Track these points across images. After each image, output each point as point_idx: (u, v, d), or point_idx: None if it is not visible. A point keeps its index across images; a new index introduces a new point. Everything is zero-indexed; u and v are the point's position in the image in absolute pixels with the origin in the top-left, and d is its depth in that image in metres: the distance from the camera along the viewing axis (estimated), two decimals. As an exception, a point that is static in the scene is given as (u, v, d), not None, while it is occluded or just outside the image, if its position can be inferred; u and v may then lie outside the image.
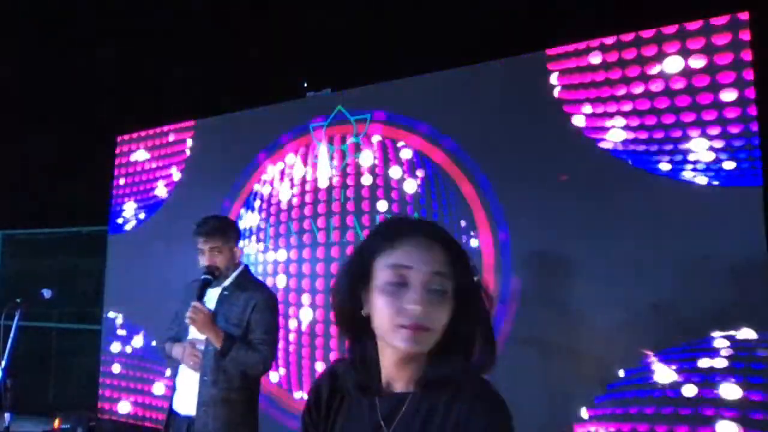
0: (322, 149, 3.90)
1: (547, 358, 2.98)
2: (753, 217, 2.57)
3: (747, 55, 2.65)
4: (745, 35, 2.67)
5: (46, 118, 6.82)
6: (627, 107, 2.91)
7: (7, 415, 2.65)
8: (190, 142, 4.59)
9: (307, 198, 3.89)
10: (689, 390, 2.61)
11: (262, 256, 4.06)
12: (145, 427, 4.45)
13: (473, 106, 3.37)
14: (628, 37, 2.95)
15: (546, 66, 3.16)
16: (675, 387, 2.65)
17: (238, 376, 2.32)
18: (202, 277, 2.36)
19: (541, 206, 3.08)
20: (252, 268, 2.74)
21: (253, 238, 4.11)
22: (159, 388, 4.41)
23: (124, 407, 4.59)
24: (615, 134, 2.93)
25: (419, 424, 0.96)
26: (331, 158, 3.84)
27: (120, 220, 4.90)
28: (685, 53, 2.79)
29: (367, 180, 3.66)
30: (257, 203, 4.16)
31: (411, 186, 3.50)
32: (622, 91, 2.93)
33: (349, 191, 3.73)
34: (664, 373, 2.68)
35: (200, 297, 2.32)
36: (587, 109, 3.02)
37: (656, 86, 2.84)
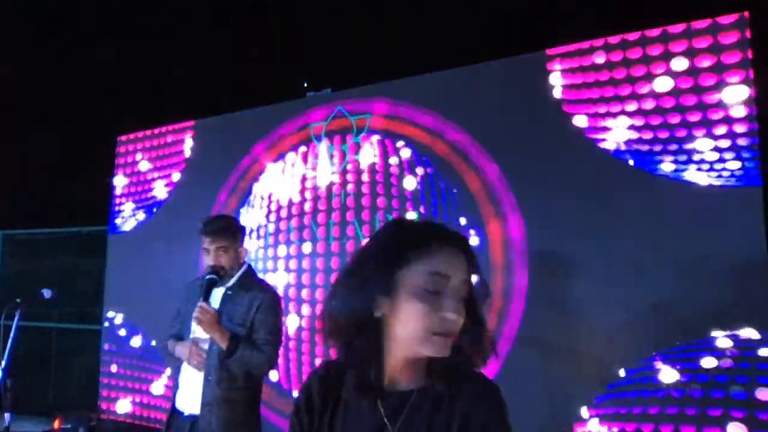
0: (323, 149, 3.90)
1: (547, 357, 2.98)
2: (753, 217, 2.58)
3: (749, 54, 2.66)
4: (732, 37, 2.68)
5: (46, 118, 6.82)
6: (628, 107, 2.91)
7: (7, 415, 2.65)
8: (190, 142, 4.59)
9: (307, 204, 3.90)
10: (693, 390, 2.61)
11: (262, 252, 4.06)
12: (145, 427, 4.45)
13: (473, 106, 3.37)
14: (630, 36, 2.95)
15: (546, 66, 3.16)
16: (678, 387, 2.65)
17: (241, 376, 2.32)
18: (208, 276, 2.35)
19: (541, 206, 3.08)
20: (251, 264, 2.74)
21: (254, 235, 4.11)
22: (159, 387, 4.41)
23: (125, 407, 4.59)
24: (616, 134, 2.93)
25: (424, 421, 0.96)
26: (331, 158, 3.85)
27: (120, 221, 4.90)
28: (691, 53, 2.79)
29: (366, 178, 3.67)
30: (257, 202, 4.16)
31: (410, 183, 3.51)
32: (622, 91, 2.93)
33: (350, 191, 3.73)
34: (665, 373, 2.68)
35: (206, 297, 2.32)
36: (587, 109, 3.02)
37: (658, 86, 2.84)
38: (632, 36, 2.94)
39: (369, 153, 3.69)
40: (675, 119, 2.79)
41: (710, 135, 2.70)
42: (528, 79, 3.22)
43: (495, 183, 3.24)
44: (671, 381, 2.66)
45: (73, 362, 5.83)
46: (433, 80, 3.56)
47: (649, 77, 2.86)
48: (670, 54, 2.82)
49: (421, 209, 3.44)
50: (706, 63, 2.74)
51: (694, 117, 2.74)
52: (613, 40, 3.00)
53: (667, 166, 2.79)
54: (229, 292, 2.40)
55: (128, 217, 4.85)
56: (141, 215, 4.78)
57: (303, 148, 4.00)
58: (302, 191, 3.94)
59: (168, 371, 4.30)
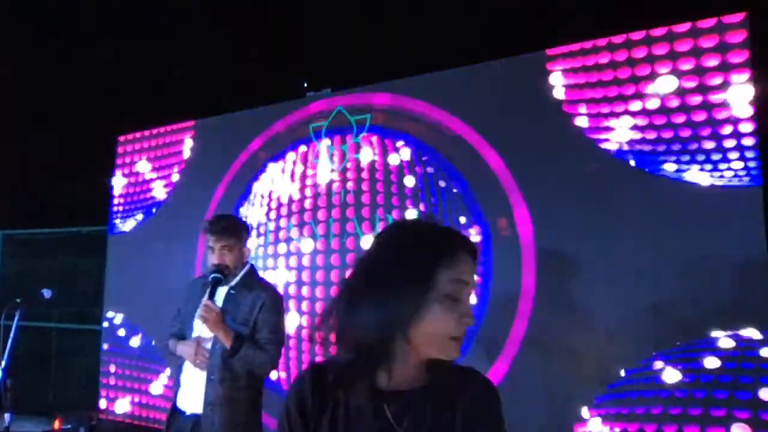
0: (323, 149, 3.91)
1: (547, 357, 2.97)
2: (753, 217, 2.58)
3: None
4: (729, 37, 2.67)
5: (46, 118, 6.82)
6: (628, 107, 2.91)
7: (7, 415, 2.65)
8: (189, 143, 4.59)
9: (307, 201, 3.90)
10: (693, 390, 2.61)
11: (262, 251, 4.07)
12: (144, 427, 4.45)
13: (473, 107, 3.37)
14: (621, 38, 2.95)
15: (546, 66, 3.16)
16: (678, 387, 2.65)
17: (244, 375, 2.33)
18: (213, 275, 2.35)
19: (541, 206, 3.08)
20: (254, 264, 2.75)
21: (254, 233, 4.11)
22: (158, 387, 4.41)
23: (125, 407, 4.59)
24: (617, 134, 2.93)
25: (428, 421, 0.97)
26: (331, 158, 3.85)
27: (120, 221, 4.90)
28: (696, 53, 2.79)
29: (366, 175, 3.68)
30: (257, 201, 4.16)
31: (410, 181, 3.52)
32: (622, 91, 2.93)
33: (350, 188, 3.73)
34: (665, 373, 2.68)
35: (211, 296, 2.31)
36: (587, 109, 3.02)
37: (660, 86, 2.84)
38: (636, 35, 2.93)
39: (369, 152, 3.70)
40: (679, 119, 2.78)
41: (716, 134, 2.69)
42: (528, 79, 3.22)
43: (502, 181, 3.23)
44: (672, 381, 2.66)
45: (73, 362, 5.83)
46: (433, 80, 3.56)
47: (652, 76, 2.86)
48: (676, 54, 2.81)
49: (421, 207, 3.45)
50: (711, 62, 2.73)
51: (699, 117, 2.74)
52: (614, 40, 2.99)
53: (668, 166, 2.79)
54: (232, 292, 2.40)
55: (128, 218, 4.85)
56: (141, 215, 4.78)
57: (303, 148, 4.01)
58: (302, 189, 3.94)
59: (167, 371, 4.30)
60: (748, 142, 2.63)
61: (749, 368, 2.52)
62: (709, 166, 2.70)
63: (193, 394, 2.36)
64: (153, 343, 4.41)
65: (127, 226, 4.85)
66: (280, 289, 3.68)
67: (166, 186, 4.66)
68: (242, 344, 2.28)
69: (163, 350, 2.60)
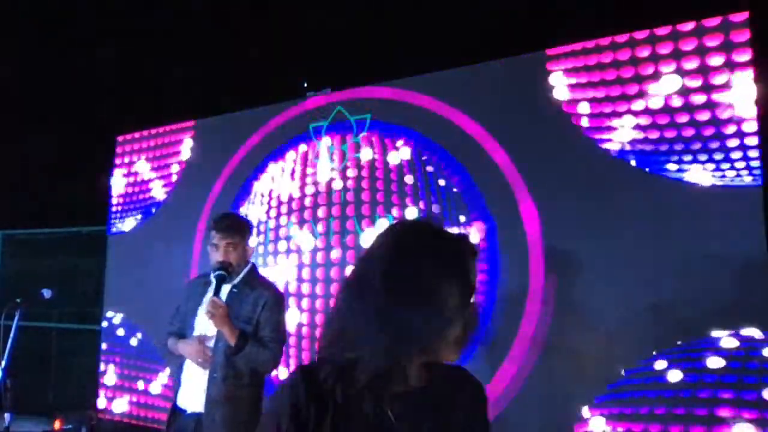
0: (323, 149, 3.91)
1: (547, 356, 2.97)
2: (753, 217, 2.58)
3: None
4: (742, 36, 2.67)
5: (46, 118, 6.81)
6: (628, 107, 2.91)
7: (7, 415, 2.65)
8: (189, 143, 4.59)
9: (308, 199, 3.90)
10: (690, 390, 2.61)
11: (262, 248, 4.07)
12: (145, 427, 4.45)
13: (473, 106, 3.37)
14: (623, 37, 2.96)
15: (546, 66, 3.16)
16: (678, 387, 2.65)
17: (247, 373, 2.33)
18: (217, 272, 2.36)
19: (541, 206, 3.08)
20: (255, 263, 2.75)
21: (254, 231, 4.11)
22: (158, 387, 4.41)
23: (125, 407, 4.59)
24: (617, 134, 2.93)
25: (430, 421, 0.98)
26: (331, 158, 3.85)
27: (119, 221, 4.90)
28: (701, 51, 2.79)
29: (366, 173, 3.69)
30: (257, 199, 4.16)
31: (409, 180, 3.52)
32: (622, 91, 2.94)
33: (349, 192, 3.73)
34: (665, 373, 2.68)
35: (217, 292, 2.32)
36: (588, 109, 3.02)
37: (662, 85, 2.84)
38: (640, 35, 2.94)
39: (369, 152, 3.70)
40: (682, 118, 2.78)
41: (719, 134, 2.69)
42: (528, 79, 3.22)
43: (508, 178, 3.22)
44: (673, 381, 2.66)
45: (73, 362, 5.83)
46: (433, 80, 3.57)
47: (654, 76, 2.86)
48: (681, 52, 2.82)
49: (421, 204, 3.45)
50: (716, 61, 2.73)
51: (702, 116, 2.74)
52: (608, 40, 3.00)
53: (669, 166, 2.79)
54: (235, 290, 2.41)
55: (127, 218, 4.85)
56: (140, 215, 4.78)
57: (303, 147, 4.01)
58: (302, 187, 3.95)
59: (167, 370, 4.30)
60: (750, 141, 2.63)
61: (754, 368, 2.52)
62: (711, 166, 2.70)
63: (194, 393, 2.36)
64: (153, 342, 4.41)
65: (127, 226, 4.85)
66: (280, 287, 3.69)
67: (165, 186, 4.66)
68: (246, 342, 2.28)
69: (163, 350, 2.59)
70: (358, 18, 4.95)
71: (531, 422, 2.88)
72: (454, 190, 3.37)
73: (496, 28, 4.29)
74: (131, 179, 4.90)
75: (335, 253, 3.72)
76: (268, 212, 4.10)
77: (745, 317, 2.55)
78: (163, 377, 4.37)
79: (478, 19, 4.56)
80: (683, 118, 2.77)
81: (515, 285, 3.10)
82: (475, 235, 3.23)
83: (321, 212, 3.83)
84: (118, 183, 4.97)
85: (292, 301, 3.84)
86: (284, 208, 4.01)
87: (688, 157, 2.74)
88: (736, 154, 2.65)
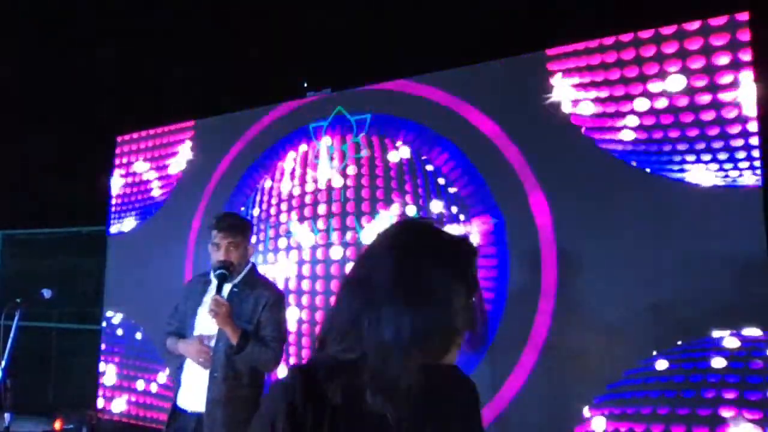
0: (323, 149, 3.91)
1: (547, 356, 2.97)
2: (753, 217, 2.57)
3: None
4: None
5: (46, 118, 6.81)
6: (627, 107, 2.91)
7: (7, 415, 2.64)
8: (189, 143, 4.58)
9: (308, 197, 3.91)
10: (689, 390, 2.61)
11: (262, 246, 4.07)
12: (145, 427, 4.44)
13: (473, 107, 3.37)
14: (628, 37, 2.95)
15: (546, 66, 3.16)
16: (678, 387, 2.65)
17: (247, 373, 2.33)
18: (218, 271, 2.35)
19: (546, 205, 3.08)
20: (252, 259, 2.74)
21: (254, 229, 4.12)
22: (157, 387, 4.41)
23: (125, 407, 4.59)
24: (617, 134, 2.93)
25: (430, 420, 0.97)
26: (331, 158, 3.85)
27: (119, 221, 4.90)
28: (707, 51, 2.77)
29: (365, 171, 3.69)
30: (257, 198, 4.17)
31: (409, 179, 3.52)
32: (621, 91, 2.93)
33: (349, 191, 3.74)
34: (665, 373, 2.68)
35: (218, 291, 2.31)
36: (587, 109, 3.02)
37: (663, 86, 2.84)
38: (644, 34, 2.93)
39: (368, 151, 3.70)
40: (687, 118, 2.77)
41: (724, 134, 2.68)
42: (528, 79, 3.22)
43: (518, 175, 3.21)
44: (672, 381, 2.66)
45: (73, 362, 5.83)
46: (433, 80, 3.56)
47: (649, 77, 2.86)
48: (686, 52, 2.81)
49: (420, 202, 3.45)
50: (721, 61, 2.72)
51: (707, 116, 2.73)
52: (609, 40, 3.00)
53: (671, 166, 2.79)
54: (236, 290, 2.41)
55: (127, 218, 4.85)
56: (140, 216, 4.78)
57: (303, 147, 4.01)
58: (302, 185, 3.96)
59: (167, 370, 4.30)
60: (753, 141, 2.62)
61: (757, 368, 2.51)
62: (715, 166, 2.69)
63: (194, 393, 2.35)
64: (153, 342, 4.41)
65: (127, 226, 4.85)
66: (280, 284, 3.70)
67: (165, 186, 4.66)
68: (248, 341, 2.28)
69: (162, 349, 2.59)
70: (358, 18, 4.95)
71: (531, 422, 2.88)
72: (454, 189, 3.37)
73: (496, 28, 4.29)
74: (131, 179, 4.90)
75: (335, 250, 3.72)
76: (268, 210, 4.10)
77: (746, 317, 2.55)
78: (163, 377, 4.37)
79: (478, 19, 4.56)
80: (688, 118, 2.76)
81: (525, 283, 3.09)
82: (476, 233, 3.23)
83: (321, 209, 3.83)
84: (117, 183, 4.97)
85: (291, 298, 3.84)
86: (284, 206, 4.02)
87: (692, 157, 2.74)
88: (741, 154, 2.64)
